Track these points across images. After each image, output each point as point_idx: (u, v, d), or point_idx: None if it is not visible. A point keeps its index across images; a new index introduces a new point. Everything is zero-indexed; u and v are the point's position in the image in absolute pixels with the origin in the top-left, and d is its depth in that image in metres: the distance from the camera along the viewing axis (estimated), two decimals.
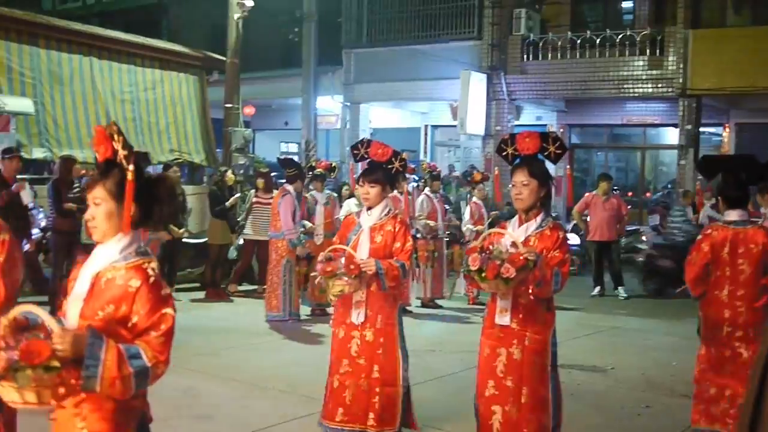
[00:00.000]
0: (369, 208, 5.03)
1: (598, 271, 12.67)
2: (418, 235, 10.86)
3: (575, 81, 17.97)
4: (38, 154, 12.32)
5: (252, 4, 14.89)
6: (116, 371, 2.44)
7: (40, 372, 2.33)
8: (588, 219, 12.79)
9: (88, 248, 9.32)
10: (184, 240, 11.43)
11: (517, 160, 4.41)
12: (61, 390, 2.39)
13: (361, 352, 4.88)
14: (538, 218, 4.31)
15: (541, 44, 18.44)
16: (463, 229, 11.51)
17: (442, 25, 19.84)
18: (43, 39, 12.86)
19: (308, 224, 10.09)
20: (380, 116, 22.75)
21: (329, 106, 22.19)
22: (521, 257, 3.92)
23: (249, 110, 20.37)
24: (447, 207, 12.12)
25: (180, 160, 14.23)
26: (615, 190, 13.64)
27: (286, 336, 9.05)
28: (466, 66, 18.63)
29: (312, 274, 4.79)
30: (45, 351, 2.35)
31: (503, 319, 4.30)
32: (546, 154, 4.36)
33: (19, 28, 12.54)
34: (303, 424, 5.78)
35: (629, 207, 13.91)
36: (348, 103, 21.54)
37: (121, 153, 2.65)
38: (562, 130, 20.26)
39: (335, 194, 11.28)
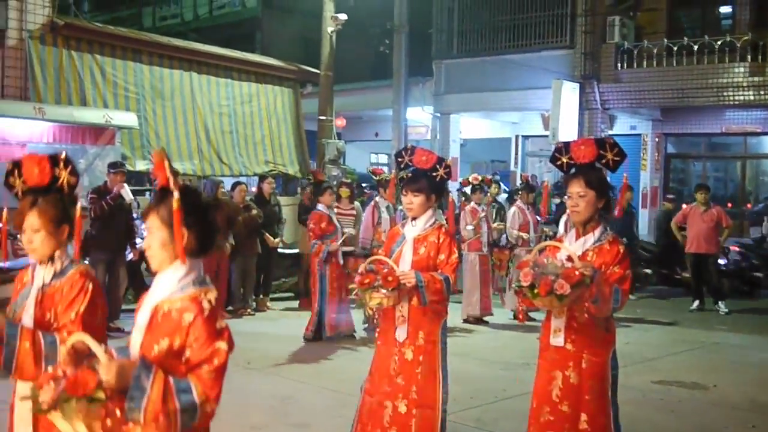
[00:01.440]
0: (413, 219, 4.74)
1: (696, 285, 12.31)
2: (501, 244, 10.83)
3: (672, 89, 17.52)
4: (141, 166, 12.79)
5: (345, 17, 15.11)
6: (161, 404, 2.33)
7: (84, 403, 2.28)
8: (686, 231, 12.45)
9: None
10: (279, 250, 11.66)
11: (573, 170, 4.15)
12: (108, 422, 2.32)
13: (399, 370, 4.59)
14: (597, 231, 4.05)
15: (635, 52, 18.07)
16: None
17: (534, 34, 19.68)
18: (146, 55, 13.37)
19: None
20: (470, 127, 22.70)
21: (419, 116, 22.27)
22: (577, 272, 3.65)
23: (340, 122, 20.62)
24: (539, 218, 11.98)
25: (275, 172, 14.54)
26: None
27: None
28: (558, 75, 18.41)
29: (350, 286, 4.51)
30: (91, 382, 2.30)
31: (557, 339, 4.05)
32: (604, 162, 4.08)
33: (124, 45, 13.07)
34: None
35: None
36: (438, 114, 21.58)
37: (171, 180, 2.53)
38: (657, 139, 19.80)
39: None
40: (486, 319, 10.66)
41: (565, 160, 4.13)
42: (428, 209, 4.72)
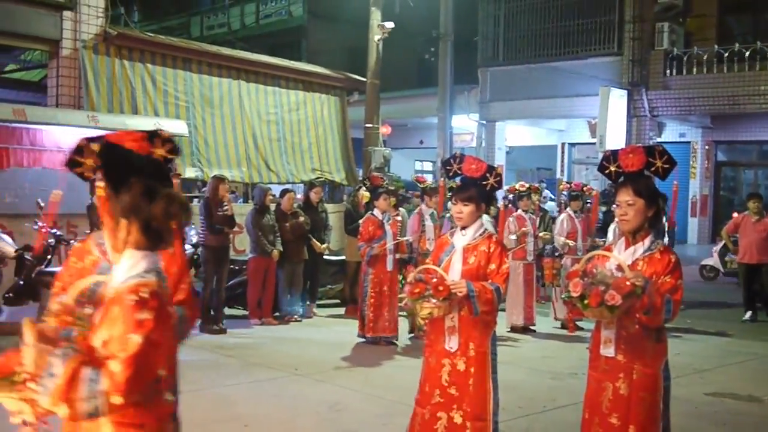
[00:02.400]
0: (462, 228, 4.68)
1: (748, 295, 12.08)
2: (549, 253, 10.75)
3: (722, 96, 17.29)
4: (191, 173, 12.97)
5: (392, 25, 15.17)
6: (66, 391, 2.30)
7: (6, 384, 2.37)
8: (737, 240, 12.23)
9: (237, 263, 9.76)
10: (325, 257, 11.72)
11: (621, 178, 4.08)
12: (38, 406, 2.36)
13: (452, 381, 4.55)
14: (647, 240, 3.97)
15: (685, 58, 17.87)
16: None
17: (581, 41, 19.57)
18: (196, 64, 13.56)
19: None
20: (516, 134, 22.63)
21: (465, 124, 22.26)
22: (628, 282, 3.58)
23: (385, 129, 20.69)
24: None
25: (321, 179, 14.63)
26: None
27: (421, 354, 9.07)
28: (606, 82, 18.28)
29: (400, 295, 4.45)
30: (10, 365, 2.37)
31: (608, 350, 3.98)
32: (653, 170, 3.99)
33: (175, 54, 13.27)
34: None
35: None
36: (483, 122, 21.56)
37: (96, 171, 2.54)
38: (707, 147, 19.54)
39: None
40: (532, 328, 10.59)
41: (613, 168, 4.07)
42: (478, 218, 4.68)
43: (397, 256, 9.50)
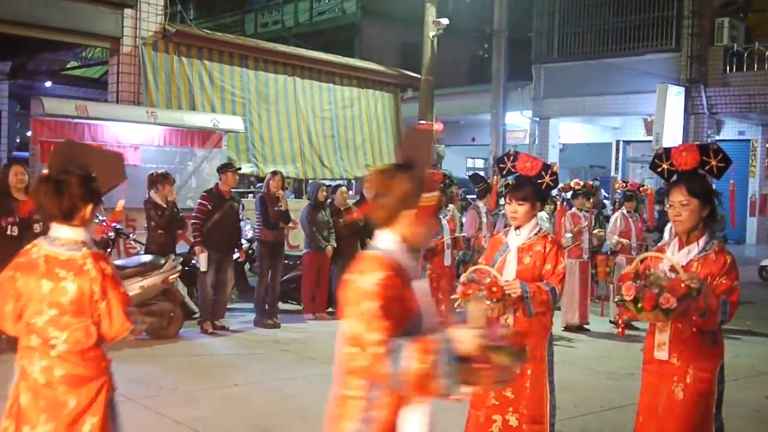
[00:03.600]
0: (517, 228, 4.55)
1: None
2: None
3: None
4: (246, 169, 13.14)
5: (447, 22, 15.14)
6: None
7: None
8: None
9: (291, 258, 9.82)
10: None
11: (674, 177, 3.94)
12: None
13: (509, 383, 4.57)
14: (701, 241, 3.84)
15: (746, 54, 17.48)
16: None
17: (637, 37, 19.30)
18: (252, 61, 13.72)
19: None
20: (570, 131, 22.41)
21: (518, 121, 22.11)
22: (683, 285, 3.46)
23: (438, 126, 20.66)
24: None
25: None
26: None
27: None
28: (663, 79, 17.99)
29: (452, 296, 4.27)
30: None
31: (662, 353, 3.85)
32: (707, 168, 3.86)
33: (231, 51, 13.46)
34: None
35: None
36: (537, 119, 21.40)
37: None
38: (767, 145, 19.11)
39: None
40: (586, 327, 10.48)
41: (666, 166, 3.94)
42: (533, 218, 4.55)
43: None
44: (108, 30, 12.18)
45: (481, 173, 15.50)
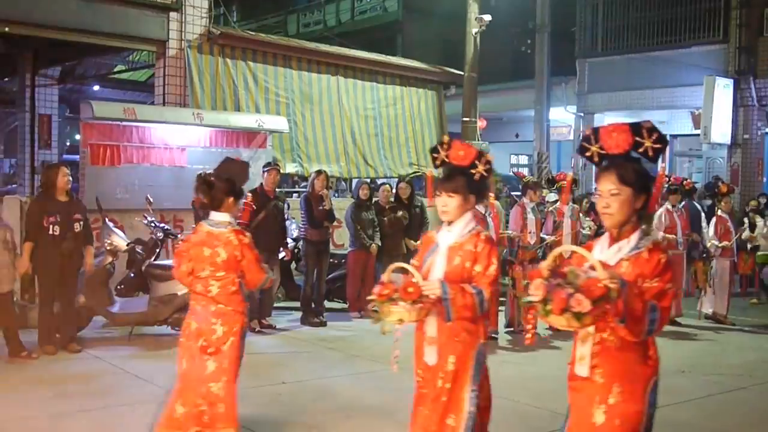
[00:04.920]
0: (449, 223, 4.05)
1: None
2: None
3: None
4: (291, 169, 13.24)
5: (490, 18, 15.07)
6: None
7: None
8: None
9: (336, 257, 9.92)
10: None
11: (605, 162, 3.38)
12: None
13: (434, 397, 3.98)
14: (634, 237, 3.27)
15: None
16: (708, 244, 10.94)
17: (684, 29, 18.98)
18: (295, 61, 13.81)
19: (549, 238, 9.95)
20: None
21: (562, 116, 21.91)
22: (600, 285, 2.91)
23: (481, 123, 20.59)
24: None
25: (418, 173, 14.69)
26: None
27: (527, 348, 9.01)
28: (710, 71, 17.68)
29: (368, 297, 3.92)
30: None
31: (582, 368, 3.28)
32: (641, 150, 3.27)
33: (275, 51, 13.56)
34: None
35: None
36: (581, 114, 21.19)
37: None
38: None
39: (576, 206, 11.06)
40: None
41: (595, 149, 3.36)
42: (466, 212, 4.06)
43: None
44: (154, 34, 12.36)
45: (525, 170, 15.43)
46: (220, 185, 5.02)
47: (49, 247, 7.79)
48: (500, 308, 9.45)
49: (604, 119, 21.33)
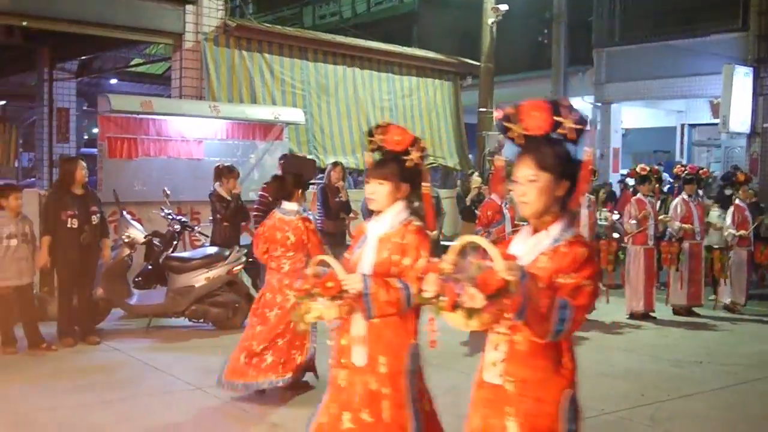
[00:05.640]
0: (378, 213, 3.79)
1: None
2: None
3: None
4: None
5: (506, 8, 15.00)
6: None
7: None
8: None
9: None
10: (441, 242, 11.75)
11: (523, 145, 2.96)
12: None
13: (364, 404, 3.62)
14: (555, 228, 2.85)
15: None
16: (725, 234, 10.87)
17: (702, 17, 18.80)
18: (311, 52, 13.82)
19: None
20: (632, 116, 22.00)
21: (579, 107, 21.50)
22: (498, 278, 2.55)
23: (497, 114, 20.50)
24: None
25: (434, 164, 14.67)
26: None
27: None
28: (729, 60, 17.49)
29: (288, 291, 3.81)
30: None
31: (491, 374, 2.92)
32: (561, 131, 2.84)
33: (291, 43, 13.57)
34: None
35: None
36: (599, 104, 21.05)
37: None
38: None
39: (593, 197, 11.01)
40: (652, 314, 10.32)
41: (518, 131, 2.90)
42: (397, 201, 3.77)
43: None
44: (171, 26, 12.39)
45: None
46: (289, 179, 6.09)
47: (66, 240, 7.85)
48: None
49: (622, 109, 21.22)
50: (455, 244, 2.76)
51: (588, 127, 2.84)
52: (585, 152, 2.84)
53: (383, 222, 3.75)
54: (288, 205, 6.19)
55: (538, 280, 2.66)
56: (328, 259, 3.59)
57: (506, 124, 2.94)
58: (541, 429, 2.80)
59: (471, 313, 2.55)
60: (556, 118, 2.82)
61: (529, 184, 2.85)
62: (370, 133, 3.84)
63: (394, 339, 3.65)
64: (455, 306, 2.58)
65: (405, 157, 3.74)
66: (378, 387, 3.60)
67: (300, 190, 6.09)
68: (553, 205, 2.87)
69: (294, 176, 6.03)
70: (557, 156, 2.85)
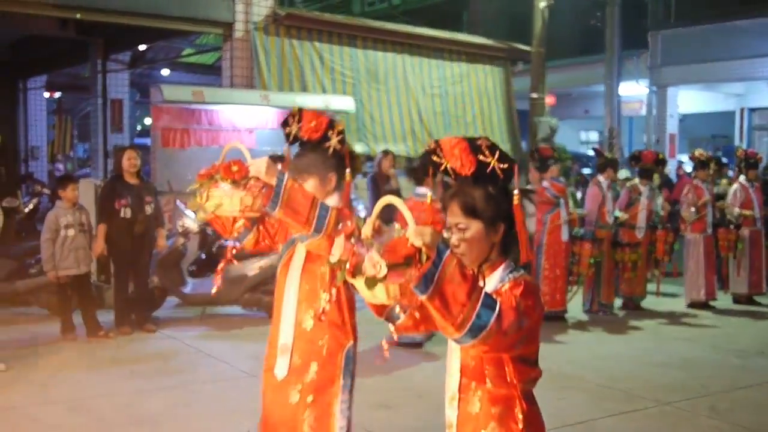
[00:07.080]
0: None
1: None
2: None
3: None
4: (357, 149, 13.16)
5: None
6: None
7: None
8: None
9: None
10: None
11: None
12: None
13: (290, 416, 3.36)
14: (498, 273, 2.44)
15: None
16: None
17: None
18: (361, 40, 13.76)
19: (621, 214, 9.69)
20: (689, 100, 21.51)
21: (634, 91, 21.38)
22: (408, 244, 2.13)
23: (549, 100, 20.24)
24: None
25: None
26: None
27: (601, 328, 8.83)
28: None
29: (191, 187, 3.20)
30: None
31: (451, 376, 2.57)
32: (489, 171, 2.47)
33: (340, 31, 13.53)
34: (623, 420, 5.63)
35: None
36: (654, 88, 20.62)
37: None
38: None
39: (655, 184, 10.72)
40: (712, 304, 10.07)
41: (448, 165, 2.53)
42: (329, 195, 3.42)
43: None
44: (221, 16, 12.45)
45: (597, 146, 15.10)
46: (420, 168, 6.90)
47: (121, 230, 7.96)
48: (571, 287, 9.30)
49: (678, 93, 20.77)
50: (376, 207, 2.44)
51: (515, 166, 2.50)
52: (514, 196, 2.47)
53: None
54: (420, 189, 7.30)
55: (462, 265, 2.22)
56: (394, 199, 3.14)
57: (434, 158, 2.56)
58: None
59: (372, 282, 2.21)
60: (479, 157, 2.48)
61: (459, 232, 2.46)
62: (285, 123, 3.49)
63: (329, 341, 3.38)
64: (355, 273, 2.25)
65: (326, 145, 3.42)
66: (301, 398, 3.34)
67: (430, 177, 6.51)
68: (491, 252, 2.48)
69: (423, 165, 6.70)
70: (486, 199, 2.47)
